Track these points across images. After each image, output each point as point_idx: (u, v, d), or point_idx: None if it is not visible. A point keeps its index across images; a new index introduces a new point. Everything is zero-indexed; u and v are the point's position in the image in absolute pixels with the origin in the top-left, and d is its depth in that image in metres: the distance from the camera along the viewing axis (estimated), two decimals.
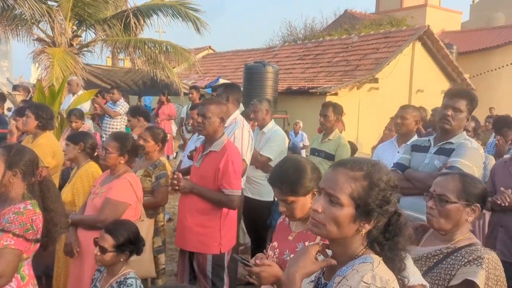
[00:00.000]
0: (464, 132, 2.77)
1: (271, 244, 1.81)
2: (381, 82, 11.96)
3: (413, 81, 13.05)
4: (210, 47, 20.60)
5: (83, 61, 10.55)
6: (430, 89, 13.06)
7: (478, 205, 1.72)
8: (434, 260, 1.70)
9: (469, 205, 1.71)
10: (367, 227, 1.19)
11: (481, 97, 13.33)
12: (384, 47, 12.87)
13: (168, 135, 6.67)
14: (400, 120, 3.50)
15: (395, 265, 1.19)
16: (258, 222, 3.77)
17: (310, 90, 11.46)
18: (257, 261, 1.55)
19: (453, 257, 1.66)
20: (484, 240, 3.17)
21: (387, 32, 13.96)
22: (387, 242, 1.20)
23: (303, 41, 18.10)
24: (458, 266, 1.62)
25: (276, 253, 1.72)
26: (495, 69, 19.24)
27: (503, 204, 2.91)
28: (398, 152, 3.48)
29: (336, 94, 11.23)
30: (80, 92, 7.10)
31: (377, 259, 1.18)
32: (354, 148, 4.85)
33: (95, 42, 10.93)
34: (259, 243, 3.81)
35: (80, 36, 10.86)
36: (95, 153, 3.13)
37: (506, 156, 3.53)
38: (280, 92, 11.81)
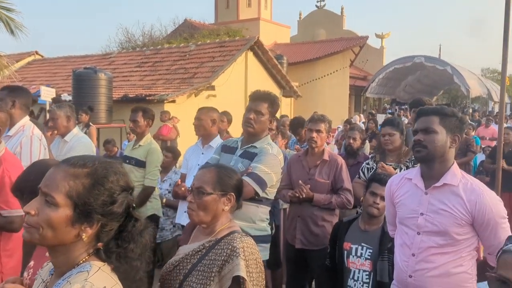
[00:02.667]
0: (268, 136, 2.86)
1: (29, 264, 1.59)
2: (218, 90, 12.33)
3: (247, 88, 13.82)
4: (37, 52, 18.51)
5: None
6: None
7: (233, 194, 1.78)
8: (198, 256, 1.70)
9: (224, 195, 1.75)
10: (89, 231, 1.07)
11: (308, 103, 14.87)
12: (220, 56, 13.34)
13: None
14: (197, 121, 3.55)
15: (129, 275, 1.12)
16: None
17: (147, 98, 11.15)
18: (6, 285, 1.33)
19: (215, 251, 1.68)
20: (285, 231, 3.42)
21: (222, 42, 14.52)
22: (118, 249, 1.11)
23: (142, 48, 17.61)
24: (220, 263, 1.64)
25: (30, 273, 1.50)
26: (319, 78, 21.73)
27: (300, 197, 3.18)
28: (203, 154, 3.54)
29: (174, 101, 11.17)
30: None
31: (96, 267, 1.07)
32: (176, 154, 4.80)
33: None
34: None
35: None
36: None
37: (287, 150, 3.88)
38: (116, 100, 11.21)
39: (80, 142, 3.41)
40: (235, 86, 13.05)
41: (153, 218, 3.85)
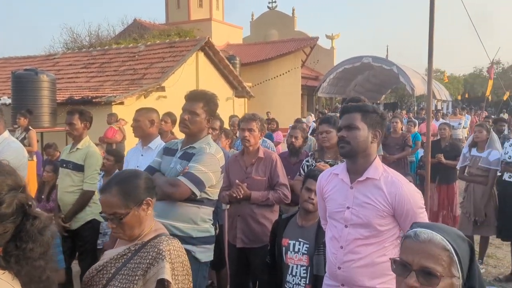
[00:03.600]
0: (209, 136, 2.81)
1: None
2: (168, 91, 12.15)
3: (199, 88, 13.72)
4: None
5: None
6: None
7: (148, 198, 1.74)
8: (123, 260, 1.67)
9: (140, 204, 1.71)
10: None
11: (262, 103, 14.97)
12: (170, 57, 13.16)
13: None
14: (134, 123, 3.49)
15: (33, 276, 1.08)
16: None
17: (94, 100, 10.80)
18: None
19: (140, 254, 1.66)
20: (227, 231, 3.43)
21: (172, 42, 14.33)
22: (16, 251, 1.06)
23: (88, 48, 17.03)
24: (144, 266, 1.62)
25: None
26: (272, 78, 21.98)
27: (238, 197, 3.19)
28: (142, 155, 3.48)
29: (122, 103, 10.90)
30: None
31: None
32: (119, 157, 4.67)
33: None
34: None
35: None
36: None
37: (232, 150, 3.91)
38: (61, 103, 10.78)
39: (10, 147, 3.24)
40: (186, 87, 12.76)
41: (94, 223, 3.74)
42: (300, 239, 2.79)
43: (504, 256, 5.42)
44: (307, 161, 3.79)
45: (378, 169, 2.09)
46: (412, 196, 2.03)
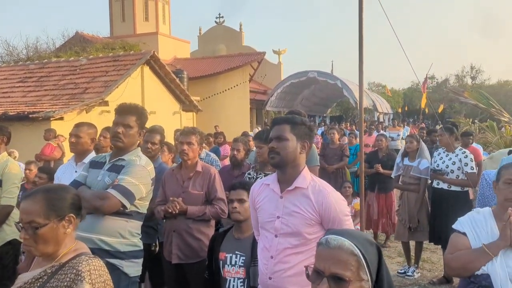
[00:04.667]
0: (139, 149, 2.81)
1: None
2: (111, 105, 11.78)
3: (145, 103, 13.45)
4: None
5: None
6: (162, 111, 13.76)
7: (71, 215, 1.67)
8: (38, 284, 1.59)
9: (62, 219, 1.64)
10: None
11: (210, 117, 14.89)
12: (113, 70, 12.83)
13: None
14: (75, 138, 3.38)
15: None
16: None
17: (31, 115, 10.28)
18: None
19: (57, 276, 1.58)
20: (163, 247, 3.36)
21: (116, 56, 14.00)
22: None
23: (25, 62, 16.23)
24: None
25: None
26: (221, 92, 22.02)
27: (174, 212, 3.16)
28: (76, 172, 3.36)
29: (62, 118, 10.45)
30: None
31: None
32: (52, 174, 4.45)
33: None
34: None
35: None
36: None
37: (174, 164, 3.89)
38: None
39: None
40: (130, 101, 12.38)
41: (14, 244, 3.55)
42: (236, 252, 2.80)
43: (438, 260, 5.72)
44: (249, 173, 3.83)
45: (306, 179, 2.16)
46: (338, 204, 2.11)
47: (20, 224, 1.59)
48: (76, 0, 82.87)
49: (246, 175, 3.87)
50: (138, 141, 2.86)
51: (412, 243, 5.45)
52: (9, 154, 8.01)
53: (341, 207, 2.12)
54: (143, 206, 2.69)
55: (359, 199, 5.04)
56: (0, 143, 3.67)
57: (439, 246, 5.43)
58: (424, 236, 5.23)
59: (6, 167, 3.52)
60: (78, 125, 3.45)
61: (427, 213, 5.22)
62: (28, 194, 1.66)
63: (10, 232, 3.52)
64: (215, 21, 32.87)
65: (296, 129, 2.16)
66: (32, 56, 18.55)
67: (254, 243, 2.74)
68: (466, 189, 4.96)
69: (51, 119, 10.18)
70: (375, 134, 11.81)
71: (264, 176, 3.47)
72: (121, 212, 2.53)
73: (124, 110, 2.74)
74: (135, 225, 2.67)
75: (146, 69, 13.57)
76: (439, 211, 4.96)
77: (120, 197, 2.46)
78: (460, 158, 4.88)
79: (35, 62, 15.11)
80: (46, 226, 1.58)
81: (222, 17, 32.82)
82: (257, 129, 17.40)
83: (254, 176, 3.74)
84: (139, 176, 2.59)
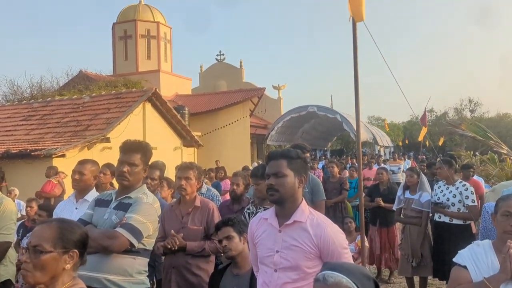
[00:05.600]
0: (144, 186, 2.81)
1: None
2: (113, 142, 11.89)
3: (146, 139, 13.57)
4: None
5: None
6: (163, 147, 13.83)
7: (76, 251, 1.69)
8: None
9: (66, 252, 1.66)
10: None
11: (211, 152, 14.96)
12: (116, 107, 13.02)
13: None
14: (78, 175, 3.39)
15: None
16: None
17: (33, 153, 10.35)
18: None
19: None
20: (162, 285, 3.31)
21: (118, 93, 14.24)
22: None
23: (29, 100, 16.50)
24: None
25: None
26: (221, 127, 22.22)
27: (173, 248, 3.14)
28: (77, 208, 3.36)
29: (63, 155, 10.51)
30: None
31: None
32: (51, 211, 4.45)
33: None
34: None
35: None
36: None
37: (174, 200, 3.89)
38: None
39: None
40: (132, 137, 12.23)
41: (8, 285, 3.47)
42: None
43: None
44: (248, 208, 3.82)
45: (305, 212, 2.17)
46: (336, 237, 2.11)
47: (26, 245, 1.63)
48: (80, 40, 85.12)
49: (245, 210, 3.85)
50: (143, 177, 2.86)
51: (416, 279, 5.34)
52: (9, 192, 8.06)
53: (340, 240, 2.12)
54: (150, 244, 2.68)
55: None
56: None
57: (444, 282, 5.32)
58: (428, 271, 5.14)
59: (1, 204, 3.49)
60: (82, 162, 3.47)
61: (430, 247, 5.16)
62: (44, 220, 1.76)
63: (5, 272, 3.45)
64: (216, 59, 33.64)
65: (293, 163, 2.18)
66: (36, 95, 18.87)
67: (253, 279, 2.72)
68: (468, 222, 4.92)
69: (53, 156, 10.24)
70: (375, 167, 11.82)
71: (264, 210, 3.47)
72: (129, 250, 2.51)
73: (129, 148, 2.74)
74: (143, 263, 2.65)
75: (148, 105, 13.77)
76: (442, 246, 4.90)
77: (128, 235, 2.46)
78: (461, 191, 4.87)
79: (38, 101, 15.35)
80: (50, 254, 1.60)
81: (223, 54, 33.62)
82: (256, 164, 17.42)
83: (254, 211, 3.73)
84: (147, 214, 2.59)
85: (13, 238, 3.58)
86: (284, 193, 2.14)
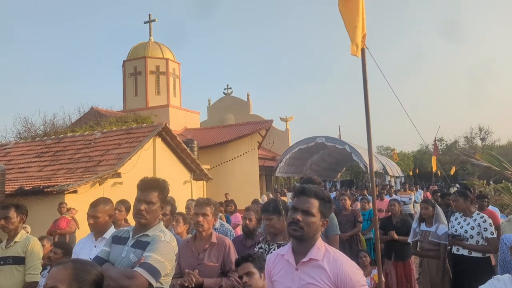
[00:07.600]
0: (161, 223, 2.80)
1: None
2: (124, 177, 11.98)
3: (156, 173, 13.65)
4: None
5: None
6: (173, 180, 13.85)
7: None
8: None
9: None
10: None
11: (220, 185, 14.94)
12: (126, 143, 13.18)
13: None
14: (93, 220, 3.38)
15: None
16: None
17: (46, 190, 10.43)
18: None
19: None
20: None
21: (129, 129, 14.44)
22: None
23: (42, 137, 16.78)
24: None
25: None
26: (230, 160, 22.28)
27: (190, 286, 3.10)
28: (95, 246, 3.35)
29: (75, 191, 10.58)
30: None
31: None
32: (67, 249, 4.44)
33: None
34: None
35: None
36: None
37: (189, 235, 3.86)
38: (10, 194, 10.34)
39: None
40: (142, 172, 12.78)
41: None
42: None
43: None
44: (260, 247, 3.74)
45: (321, 250, 2.15)
46: (354, 274, 2.08)
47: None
48: (92, 78, 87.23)
49: (257, 248, 3.78)
50: (160, 215, 2.86)
51: None
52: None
53: (357, 277, 2.09)
54: (167, 282, 2.65)
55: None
56: (20, 221, 3.75)
57: None
58: None
59: (29, 244, 3.57)
60: (93, 205, 3.44)
61: (449, 280, 5.03)
62: (60, 262, 1.72)
63: None
64: (224, 92, 34.18)
65: (323, 206, 2.17)
66: (49, 132, 19.20)
67: None
68: (487, 255, 4.81)
69: (65, 192, 10.31)
70: (386, 198, 11.68)
71: (277, 246, 3.42)
72: None
73: (146, 186, 2.74)
74: None
75: (158, 140, 13.92)
76: (462, 279, 4.78)
77: (147, 275, 2.44)
78: (479, 223, 4.78)
79: (51, 138, 15.61)
80: None
81: (230, 88, 34.17)
82: (265, 196, 17.30)
83: (266, 249, 3.66)
84: (165, 253, 2.58)
85: (40, 278, 3.59)
86: (308, 232, 2.13)
